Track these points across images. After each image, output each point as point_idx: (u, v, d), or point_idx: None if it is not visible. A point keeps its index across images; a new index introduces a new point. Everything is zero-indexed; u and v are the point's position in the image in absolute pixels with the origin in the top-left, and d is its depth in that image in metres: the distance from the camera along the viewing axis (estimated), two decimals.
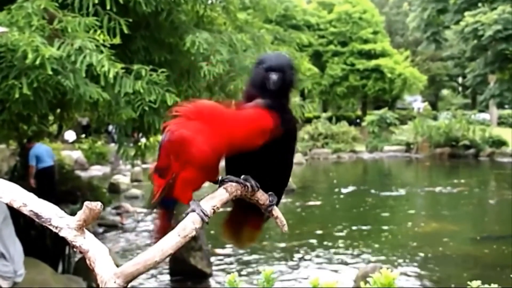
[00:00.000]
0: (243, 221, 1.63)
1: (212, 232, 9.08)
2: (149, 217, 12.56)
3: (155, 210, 1.53)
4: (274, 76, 1.46)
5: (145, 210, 13.43)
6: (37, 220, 1.24)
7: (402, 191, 16.71)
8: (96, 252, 1.20)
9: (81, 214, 1.21)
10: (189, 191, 1.39)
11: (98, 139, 22.64)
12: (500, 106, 35.26)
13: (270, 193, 1.51)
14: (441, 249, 9.37)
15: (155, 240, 1.34)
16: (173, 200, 1.43)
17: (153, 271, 7.94)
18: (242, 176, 1.45)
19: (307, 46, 28.93)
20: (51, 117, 8.20)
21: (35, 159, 9.54)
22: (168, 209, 1.45)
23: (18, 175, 9.57)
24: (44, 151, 9.76)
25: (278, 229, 1.56)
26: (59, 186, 9.91)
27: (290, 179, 1.66)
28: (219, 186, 1.42)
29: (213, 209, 1.35)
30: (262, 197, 1.47)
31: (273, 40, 8.24)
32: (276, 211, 1.53)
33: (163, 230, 1.40)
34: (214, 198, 1.37)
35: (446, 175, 21.18)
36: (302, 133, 28.54)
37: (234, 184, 1.42)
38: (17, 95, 4.34)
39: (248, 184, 1.43)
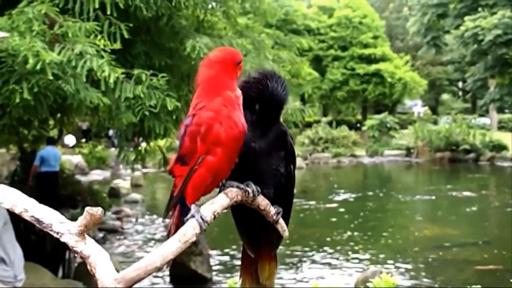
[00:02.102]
0: (255, 259, 1.62)
1: (213, 236, 9.08)
2: (149, 221, 12.55)
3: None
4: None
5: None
6: (38, 225, 1.24)
7: (402, 196, 16.69)
8: (97, 257, 1.20)
9: (82, 220, 1.21)
10: (203, 188, 1.39)
11: (98, 143, 22.64)
12: (500, 110, 35.24)
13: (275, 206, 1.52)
14: (441, 254, 9.36)
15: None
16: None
17: (153, 276, 7.94)
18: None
19: (307, 51, 29.02)
20: (51, 122, 8.21)
21: (40, 160, 9.56)
22: (185, 206, 1.42)
23: (19, 180, 9.56)
24: (51, 155, 9.77)
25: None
26: (60, 191, 9.89)
27: None
28: (220, 192, 1.43)
29: (214, 214, 1.35)
30: (263, 202, 1.47)
31: (274, 44, 8.26)
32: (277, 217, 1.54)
33: (177, 229, 1.39)
34: (214, 204, 1.37)
35: (447, 180, 21.17)
36: (302, 138, 28.55)
37: (234, 189, 1.42)
38: (17, 100, 4.35)
39: (249, 189, 1.44)
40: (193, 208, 1.35)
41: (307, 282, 7.83)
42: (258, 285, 1.62)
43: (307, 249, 9.72)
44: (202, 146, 1.36)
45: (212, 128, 1.36)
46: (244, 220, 1.60)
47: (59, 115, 7.41)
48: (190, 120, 1.41)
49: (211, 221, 1.34)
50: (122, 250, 10.00)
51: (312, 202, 14.69)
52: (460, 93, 50.08)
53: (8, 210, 1.30)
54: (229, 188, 1.43)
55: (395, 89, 35.58)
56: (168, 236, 1.35)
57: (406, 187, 19.34)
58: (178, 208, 1.46)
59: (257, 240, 1.61)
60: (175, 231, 1.33)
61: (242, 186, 1.43)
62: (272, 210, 1.50)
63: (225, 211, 1.42)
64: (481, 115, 37.37)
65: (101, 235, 10.76)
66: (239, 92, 1.44)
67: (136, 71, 5.18)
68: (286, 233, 1.54)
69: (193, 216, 1.32)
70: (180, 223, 1.38)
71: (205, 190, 1.40)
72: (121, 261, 8.60)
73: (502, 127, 37.35)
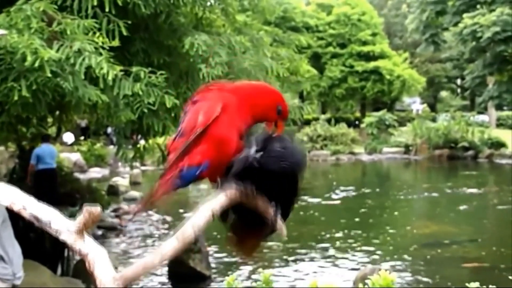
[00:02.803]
0: (245, 232, 1.62)
1: (212, 234, 9.08)
2: (148, 219, 12.55)
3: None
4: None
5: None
6: (36, 223, 1.24)
7: (401, 193, 16.71)
8: (96, 255, 1.20)
9: (81, 218, 1.21)
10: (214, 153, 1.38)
11: (97, 141, 22.62)
12: (499, 107, 35.28)
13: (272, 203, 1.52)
14: (439, 251, 9.37)
15: (146, 199, 1.37)
16: (193, 172, 1.39)
17: (152, 274, 7.94)
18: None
19: (306, 48, 28.98)
20: (50, 119, 8.21)
21: (36, 159, 9.55)
22: (184, 182, 1.39)
23: (17, 177, 9.56)
24: (47, 153, 9.76)
25: (276, 233, 1.56)
26: (58, 188, 9.89)
27: None
28: (218, 191, 1.43)
29: (213, 213, 1.35)
30: (260, 201, 1.47)
31: (272, 42, 8.26)
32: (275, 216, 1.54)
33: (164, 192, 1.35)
34: (213, 203, 1.37)
35: (445, 177, 21.20)
36: (301, 135, 28.53)
37: (233, 189, 1.42)
38: (16, 98, 4.35)
39: (247, 188, 1.43)
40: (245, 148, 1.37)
41: (305, 279, 7.84)
42: (242, 251, 1.63)
43: (305, 246, 9.73)
44: (203, 120, 1.37)
45: (215, 107, 1.37)
46: (240, 216, 1.59)
47: (57, 112, 7.41)
48: (196, 98, 1.43)
49: (217, 211, 1.35)
50: (121, 247, 10.00)
51: (311, 200, 14.68)
52: (459, 90, 50.15)
53: (6, 208, 1.30)
54: (228, 187, 1.42)
55: (393, 87, 35.59)
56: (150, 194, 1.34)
57: (405, 185, 19.35)
58: (176, 174, 1.40)
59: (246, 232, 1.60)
60: (159, 192, 1.33)
61: (240, 184, 1.43)
62: (271, 210, 1.49)
63: None
64: (479, 112, 37.39)
65: (100, 232, 10.76)
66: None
67: (134, 69, 5.18)
68: (284, 233, 1.54)
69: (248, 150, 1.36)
70: (170, 187, 1.36)
71: (217, 165, 1.40)
72: (120, 259, 8.61)
73: (500, 124, 37.37)
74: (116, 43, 5.16)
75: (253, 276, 7.83)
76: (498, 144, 26.89)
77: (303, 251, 9.45)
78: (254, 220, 1.56)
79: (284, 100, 1.47)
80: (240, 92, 1.43)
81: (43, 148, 9.74)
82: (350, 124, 33.61)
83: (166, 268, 7.91)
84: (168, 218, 12.12)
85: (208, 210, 1.34)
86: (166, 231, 10.88)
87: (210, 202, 1.37)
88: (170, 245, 1.24)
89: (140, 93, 4.95)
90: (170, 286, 7.84)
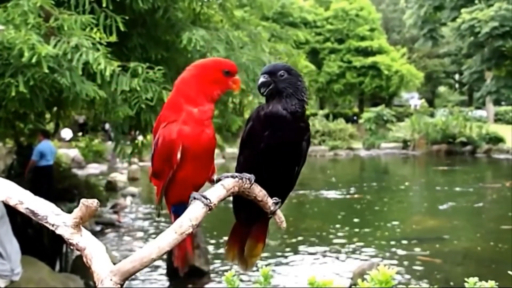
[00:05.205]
0: (245, 235, 1.63)
1: (211, 230, 9.09)
2: (146, 215, 12.55)
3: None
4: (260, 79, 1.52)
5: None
6: (33, 218, 1.24)
7: (399, 188, 16.72)
8: (93, 249, 1.20)
9: (77, 212, 1.20)
10: (189, 190, 1.41)
11: (95, 137, 22.60)
12: (497, 103, 35.26)
13: (274, 198, 1.53)
14: (438, 246, 9.39)
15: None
16: (182, 206, 1.43)
17: (150, 269, 7.94)
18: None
19: (304, 44, 28.95)
20: (47, 115, 8.19)
21: (39, 155, 9.54)
22: (180, 212, 1.45)
23: (15, 173, 9.54)
24: (48, 150, 9.76)
25: (275, 226, 1.55)
26: (56, 185, 9.89)
27: None
28: (216, 183, 1.43)
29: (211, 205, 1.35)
30: (260, 193, 1.47)
31: (270, 37, 8.24)
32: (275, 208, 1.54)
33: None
34: (211, 195, 1.37)
35: (443, 172, 21.22)
36: None
37: (231, 180, 1.42)
38: (13, 93, 4.33)
39: (244, 178, 1.44)
40: (193, 194, 1.37)
41: (304, 274, 7.84)
42: (241, 260, 1.63)
43: (304, 241, 9.73)
44: (170, 168, 1.43)
45: (175, 151, 1.40)
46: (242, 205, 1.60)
47: (55, 108, 7.39)
48: (156, 141, 1.46)
49: (215, 204, 1.35)
50: (119, 243, 10.01)
51: (309, 195, 14.70)
52: (457, 85, 50.13)
53: (4, 204, 1.29)
54: (225, 178, 1.43)
55: (391, 82, 35.61)
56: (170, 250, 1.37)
57: (403, 180, 19.36)
58: (174, 217, 1.47)
59: (253, 217, 1.61)
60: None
61: (237, 175, 1.43)
62: (270, 201, 1.49)
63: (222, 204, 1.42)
64: (477, 108, 37.43)
65: (98, 228, 10.76)
66: (207, 107, 1.45)
67: (132, 64, 5.16)
68: (283, 225, 1.54)
69: (194, 198, 1.35)
70: None
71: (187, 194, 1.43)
72: (117, 254, 8.60)
73: (498, 119, 37.42)
74: (113, 38, 5.13)
75: (252, 272, 7.83)
76: (496, 139, 26.94)
77: (302, 246, 9.46)
78: (254, 214, 1.56)
79: (226, 61, 1.54)
80: (184, 83, 1.49)
81: (44, 145, 9.72)
82: (348, 119, 33.64)
83: (164, 264, 7.92)
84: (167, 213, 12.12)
85: (205, 202, 1.34)
86: (165, 227, 10.88)
87: (208, 194, 1.36)
88: (168, 238, 1.23)
89: (138, 88, 4.93)
90: (168, 281, 7.84)
